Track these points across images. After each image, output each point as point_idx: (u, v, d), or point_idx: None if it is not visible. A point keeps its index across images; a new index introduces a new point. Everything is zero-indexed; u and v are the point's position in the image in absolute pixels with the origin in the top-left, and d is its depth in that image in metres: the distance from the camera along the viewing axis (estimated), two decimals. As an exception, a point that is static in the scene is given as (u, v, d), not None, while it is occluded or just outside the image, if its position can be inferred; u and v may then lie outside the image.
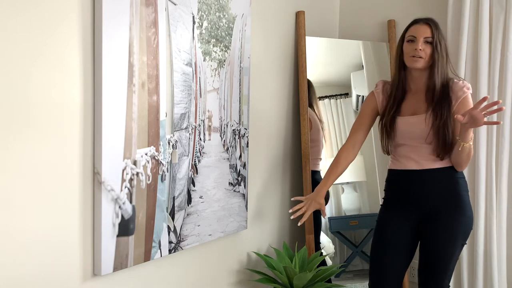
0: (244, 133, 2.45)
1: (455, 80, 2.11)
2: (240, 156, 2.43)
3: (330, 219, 2.90)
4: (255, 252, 2.56)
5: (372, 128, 2.27)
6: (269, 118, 2.67)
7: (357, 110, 2.90)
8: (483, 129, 2.60)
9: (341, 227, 2.93)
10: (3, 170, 1.51)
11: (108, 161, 1.74)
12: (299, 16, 2.79)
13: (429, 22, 2.10)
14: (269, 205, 2.71)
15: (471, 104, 2.08)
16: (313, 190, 2.75)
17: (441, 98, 2.08)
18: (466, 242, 2.14)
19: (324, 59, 2.93)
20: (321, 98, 2.88)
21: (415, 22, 2.12)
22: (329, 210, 2.89)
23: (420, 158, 2.11)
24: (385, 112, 2.18)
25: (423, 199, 2.11)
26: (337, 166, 2.21)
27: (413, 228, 2.13)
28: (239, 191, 2.43)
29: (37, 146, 1.59)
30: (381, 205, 2.25)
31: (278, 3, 2.67)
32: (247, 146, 2.47)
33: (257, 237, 2.63)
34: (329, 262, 2.78)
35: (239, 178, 2.43)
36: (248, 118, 2.47)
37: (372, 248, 2.20)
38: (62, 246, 1.68)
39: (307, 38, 2.81)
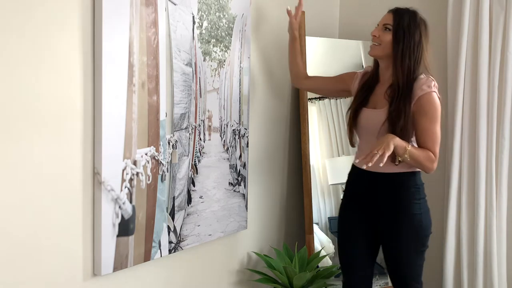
0: (244, 133, 2.45)
1: (421, 77, 1.98)
2: (240, 156, 2.43)
3: (330, 219, 2.89)
4: (255, 252, 2.56)
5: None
6: (269, 118, 2.67)
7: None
8: (483, 129, 2.60)
9: (341, 227, 2.93)
10: (2, 170, 1.51)
11: (108, 161, 1.74)
12: (299, 16, 2.79)
13: (394, 10, 2.03)
14: (269, 205, 2.71)
15: (432, 104, 1.95)
16: (312, 191, 2.77)
17: (400, 96, 1.96)
18: (427, 246, 2.08)
19: (324, 59, 2.93)
20: (321, 98, 2.88)
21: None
22: (329, 210, 2.89)
23: None
24: (352, 100, 2.16)
25: (371, 203, 2.08)
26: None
27: (369, 225, 2.11)
28: (239, 191, 2.43)
29: (37, 146, 1.59)
30: (341, 199, 2.24)
31: (278, 3, 2.66)
32: (247, 146, 2.47)
33: (257, 237, 2.63)
34: (329, 262, 2.78)
35: (239, 178, 2.43)
36: (248, 118, 2.47)
37: (337, 241, 2.26)
38: (62, 246, 1.68)
39: (307, 38, 2.80)
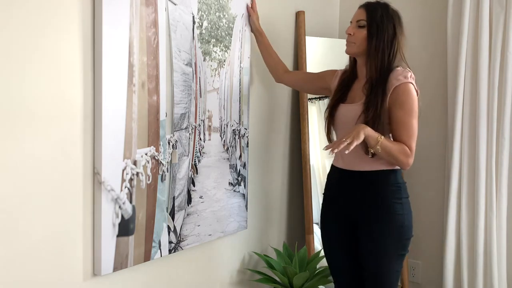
0: (244, 133, 2.45)
1: (397, 68, 1.93)
2: (240, 156, 2.43)
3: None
4: (255, 252, 2.56)
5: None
6: (269, 118, 2.67)
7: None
8: (483, 129, 2.60)
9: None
10: (2, 170, 1.51)
11: (108, 161, 1.74)
12: (299, 16, 2.79)
13: (366, 5, 2.00)
14: (269, 205, 2.71)
15: (408, 95, 1.90)
16: (312, 191, 2.77)
17: (376, 88, 1.92)
18: (407, 250, 2.00)
19: (324, 59, 2.93)
20: (321, 98, 2.88)
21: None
22: (329, 210, 2.89)
23: (349, 156, 1.93)
24: (331, 98, 2.14)
25: (350, 204, 2.02)
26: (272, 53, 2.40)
27: (350, 227, 2.05)
28: (239, 191, 2.43)
29: (36, 146, 1.59)
30: (322, 202, 2.21)
31: (278, 3, 2.67)
32: (247, 146, 2.47)
33: (257, 237, 2.63)
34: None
35: (239, 178, 2.43)
36: (248, 118, 2.47)
37: (322, 245, 2.22)
38: (62, 246, 1.68)
39: (307, 38, 2.81)
